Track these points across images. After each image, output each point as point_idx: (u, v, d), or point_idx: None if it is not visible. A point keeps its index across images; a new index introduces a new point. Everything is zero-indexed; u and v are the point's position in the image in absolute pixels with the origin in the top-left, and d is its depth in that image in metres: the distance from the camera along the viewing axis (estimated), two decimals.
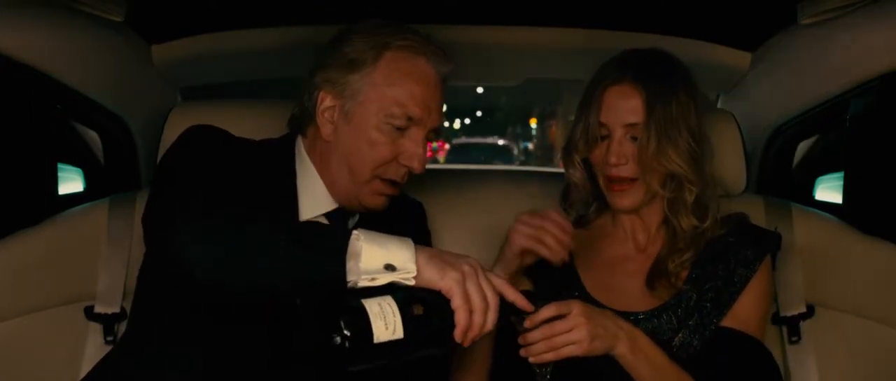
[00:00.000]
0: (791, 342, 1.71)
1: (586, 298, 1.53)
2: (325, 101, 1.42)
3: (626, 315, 1.50)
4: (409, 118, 1.38)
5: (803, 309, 1.74)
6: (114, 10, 1.67)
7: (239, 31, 1.99)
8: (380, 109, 1.38)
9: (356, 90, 1.40)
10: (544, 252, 1.40)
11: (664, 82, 1.50)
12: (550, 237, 1.39)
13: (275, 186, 1.42)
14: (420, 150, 1.40)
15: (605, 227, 1.64)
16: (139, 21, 1.81)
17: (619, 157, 1.49)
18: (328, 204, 1.45)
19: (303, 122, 1.48)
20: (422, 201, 1.65)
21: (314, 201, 1.44)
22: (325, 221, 1.45)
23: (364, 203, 1.43)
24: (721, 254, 1.53)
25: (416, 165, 1.40)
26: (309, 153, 1.46)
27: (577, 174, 1.59)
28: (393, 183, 1.42)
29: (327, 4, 1.78)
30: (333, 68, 1.41)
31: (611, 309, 1.49)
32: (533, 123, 24.69)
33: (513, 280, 1.41)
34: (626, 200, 1.53)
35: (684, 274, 1.53)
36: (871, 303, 1.72)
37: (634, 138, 1.50)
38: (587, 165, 1.57)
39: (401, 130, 1.39)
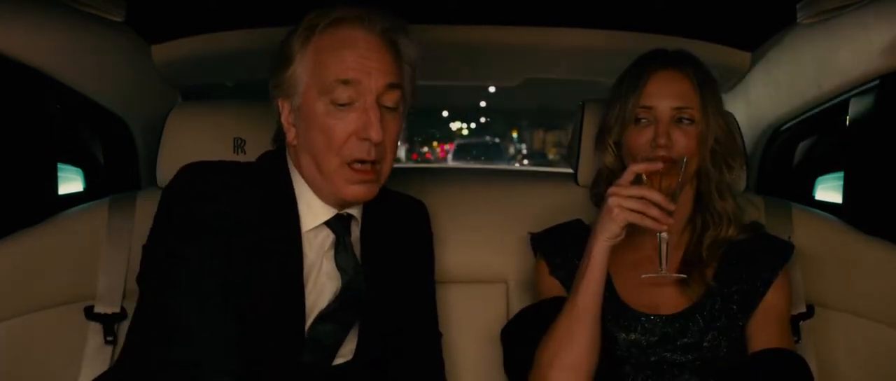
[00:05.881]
0: None
1: (613, 296, 1.55)
2: (284, 107, 1.41)
3: (653, 316, 1.52)
4: (346, 82, 1.33)
5: (803, 309, 1.74)
6: (114, 10, 1.67)
7: (239, 31, 1.99)
8: (320, 91, 1.35)
9: (296, 83, 1.37)
10: (649, 224, 1.38)
11: (706, 71, 1.56)
12: (655, 211, 1.37)
13: (273, 210, 1.39)
14: (372, 117, 1.33)
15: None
16: (139, 21, 1.81)
17: (668, 139, 1.50)
18: (325, 212, 1.42)
19: (280, 136, 1.46)
20: (424, 202, 1.64)
21: (312, 212, 1.42)
22: (325, 229, 1.43)
23: (345, 196, 1.39)
24: (743, 258, 1.55)
25: (372, 135, 1.33)
26: (295, 166, 1.44)
27: (610, 158, 1.61)
28: (362, 164, 1.36)
29: (327, 4, 1.78)
30: (278, 72, 1.39)
31: (637, 310, 1.52)
32: (514, 134, 34.16)
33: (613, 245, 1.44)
34: (664, 180, 1.53)
35: (712, 271, 1.55)
36: (870, 303, 1.72)
37: (679, 121, 1.51)
38: (619, 149, 1.60)
39: (346, 105, 1.34)
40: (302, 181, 1.42)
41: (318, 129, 1.35)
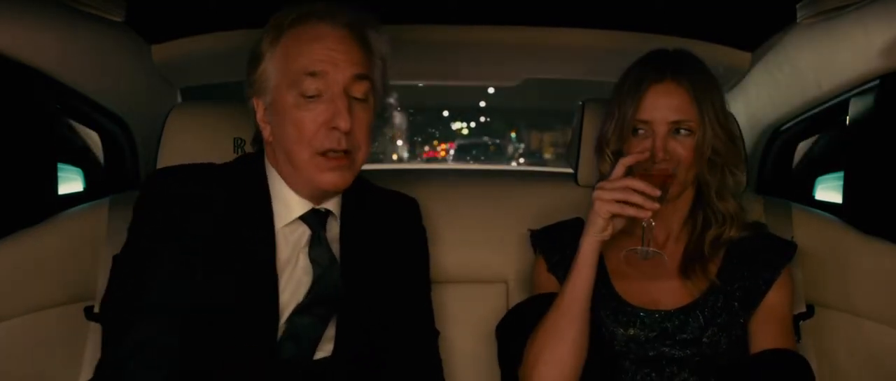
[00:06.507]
0: None
1: (611, 293, 1.55)
2: (258, 106, 1.43)
3: (652, 312, 1.52)
4: (313, 74, 1.35)
5: (803, 309, 1.74)
6: (114, 10, 1.67)
7: (239, 31, 1.99)
8: (289, 85, 1.37)
9: (267, 80, 1.40)
10: (632, 213, 1.40)
11: (705, 76, 1.54)
12: (638, 197, 1.39)
13: (247, 208, 1.41)
14: (340, 106, 1.35)
15: (626, 226, 1.64)
16: (139, 21, 1.82)
17: (666, 153, 1.50)
18: (301, 207, 1.44)
19: (258, 137, 1.48)
20: (422, 200, 1.64)
21: (286, 207, 1.43)
22: (301, 225, 1.44)
23: (319, 185, 1.40)
24: (745, 256, 1.56)
25: (340, 123, 1.35)
26: (272, 163, 1.46)
27: (607, 167, 1.61)
28: (335, 153, 1.37)
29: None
30: (251, 72, 1.42)
31: (636, 306, 1.53)
32: (513, 134, 34.96)
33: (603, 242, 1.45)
34: (654, 177, 1.53)
35: (715, 267, 1.55)
36: (870, 303, 1.72)
37: (677, 132, 1.51)
38: (617, 157, 1.58)
39: (315, 97, 1.36)
40: (277, 177, 1.44)
41: (289, 122, 1.37)
